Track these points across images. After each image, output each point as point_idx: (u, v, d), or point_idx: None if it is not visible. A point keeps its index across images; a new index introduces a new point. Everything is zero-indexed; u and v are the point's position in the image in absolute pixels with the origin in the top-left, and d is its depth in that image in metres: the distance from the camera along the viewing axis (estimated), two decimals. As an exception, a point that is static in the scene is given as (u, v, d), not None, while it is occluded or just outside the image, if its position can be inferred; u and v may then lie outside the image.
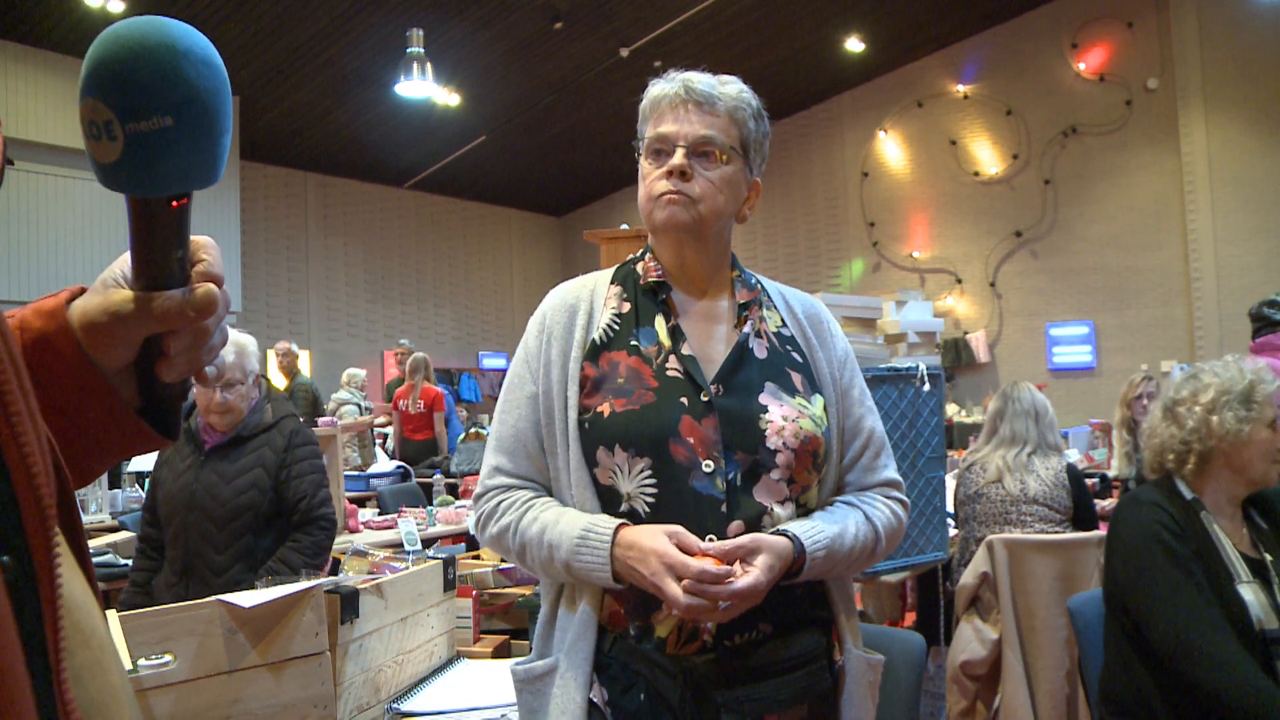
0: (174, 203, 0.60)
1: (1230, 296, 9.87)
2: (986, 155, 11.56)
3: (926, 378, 3.01)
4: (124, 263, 0.65)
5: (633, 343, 1.29)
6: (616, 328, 1.31)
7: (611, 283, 1.38)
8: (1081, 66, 10.86)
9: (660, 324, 1.31)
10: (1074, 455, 5.79)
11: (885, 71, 12.03)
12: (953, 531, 3.45)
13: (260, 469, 2.65)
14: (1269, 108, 9.76)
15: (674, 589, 1.11)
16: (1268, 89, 9.76)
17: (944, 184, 11.84)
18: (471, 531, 2.15)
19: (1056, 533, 3.13)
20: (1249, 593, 1.77)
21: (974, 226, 11.62)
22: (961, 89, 11.64)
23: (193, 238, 0.65)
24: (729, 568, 1.12)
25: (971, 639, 3.11)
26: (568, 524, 1.21)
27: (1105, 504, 4.22)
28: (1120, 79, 10.63)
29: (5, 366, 0.49)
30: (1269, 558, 1.84)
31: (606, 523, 1.19)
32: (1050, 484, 3.20)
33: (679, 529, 1.15)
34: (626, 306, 1.34)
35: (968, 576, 3.10)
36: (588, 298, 1.35)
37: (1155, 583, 1.79)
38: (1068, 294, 11.05)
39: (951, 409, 10.54)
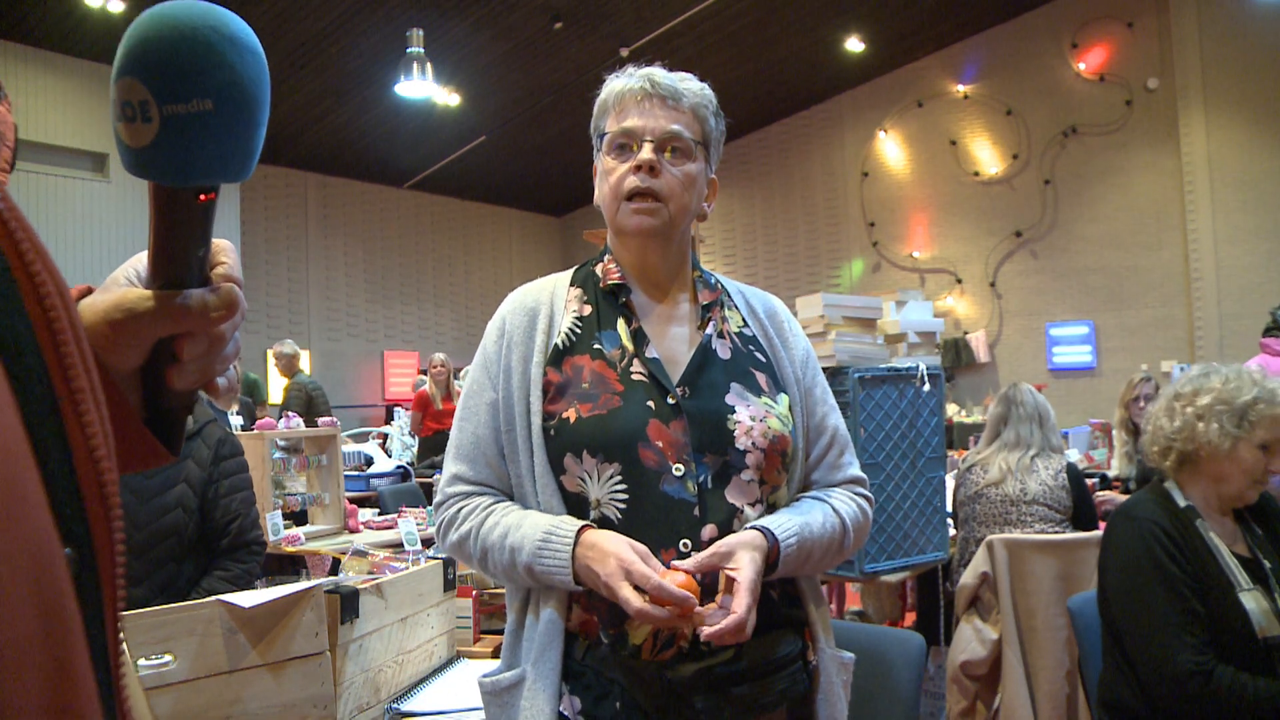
0: (201, 196, 0.57)
1: (1230, 296, 9.87)
2: (986, 155, 11.56)
3: (926, 378, 3.01)
4: (137, 262, 0.63)
5: (595, 346, 1.27)
6: (578, 331, 1.29)
7: (571, 285, 1.36)
8: (1081, 66, 10.86)
9: (622, 327, 1.29)
10: (1074, 455, 5.79)
11: (885, 71, 12.03)
12: (951, 532, 3.45)
13: (185, 485, 2.29)
14: (1269, 108, 9.76)
15: (628, 592, 1.08)
16: (1268, 89, 9.76)
17: (944, 184, 11.84)
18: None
19: (1056, 532, 3.13)
20: (1250, 600, 1.76)
21: (974, 226, 11.62)
22: (961, 89, 11.64)
23: (214, 240, 0.63)
24: (687, 594, 1.08)
25: (971, 639, 3.11)
26: (530, 526, 1.19)
27: (1103, 495, 4.22)
28: (1120, 79, 10.63)
29: (67, 336, 0.46)
30: (1269, 564, 1.84)
31: (570, 524, 1.17)
32: (1050, 484, 3.20)
33: (644, 548, 1.13)
34: (588, 309, 1.32)
35: (968, 576, 3.10)
36: (548, 301, 1.33)
37: (1145, 606, 1.79)
38: (1068, 294, 11.05)
39: (951, 409, 10.54)
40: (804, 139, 12.84)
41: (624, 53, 9.79)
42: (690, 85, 1.30)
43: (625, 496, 1.19)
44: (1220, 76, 9.97)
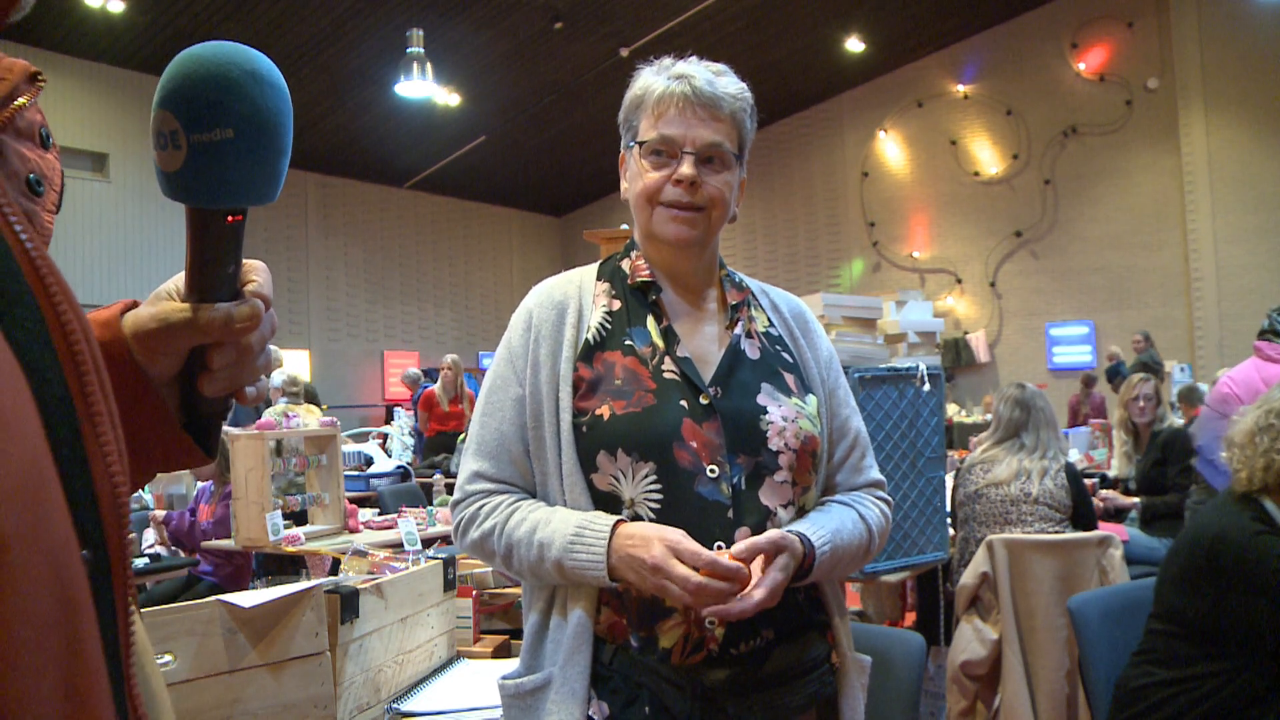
0: (230, 217, 0.63)
1: (1230, 296, 9.88)
2: (986, 155, 11.56)
3: (926, 378, 3.00)
4: (179, 278, 0.68)
5: (627, 343, 1.25)
6: (609, 327, 1.27)
7: (598, 279, 1.33)
8: (1081, 66, 10.87)
9: (651, 324, 1.27)
10: (1074, 455, 5.79)
11: (885, 71, 12.03)
12: (950, 532, 3.45)
13: None
14: (1269, 108, 9.76)
15: (682, 570, 1.06)
16: (1268, 89, 9.76)
17: (944, 184, 11.84)
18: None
19: (1056, 532, 3.13)
20: None
21: (974, 226, 11.63)
22: (961, 89, 11.64)
23: (246, 260, 0.68)
24: (740, 565, 1.08)
25: (971, 639, 3.11)
26: (561, 522, 1.17)
27: (1106, 494, 4.22)
28: (1120, 79, 10.63)
29: (89, 367, 0.51)
30: None
31: (604, 519, 1.15)
32: (1050, 484, 3.20)
33: (682, 531, 1.11)
34: (617, 304, 1.29)
35: (968, 576, 3.10)
36: (576, 295, 1.30)
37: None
38: (1068, 294, 11.05)
39: (951, 409, 10.55)
40: (804, 139, 12.84)
41: (624, 53, 9.79)
42: (729, 89, 1.26)
43: (659, 497, 1.17)
44: (1220, 76, 9.97)
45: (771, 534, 1.13)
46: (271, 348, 7.49)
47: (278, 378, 5.96)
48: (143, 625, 0.61)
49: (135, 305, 0.68)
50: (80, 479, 0.49)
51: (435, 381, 8.13)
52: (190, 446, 0.70)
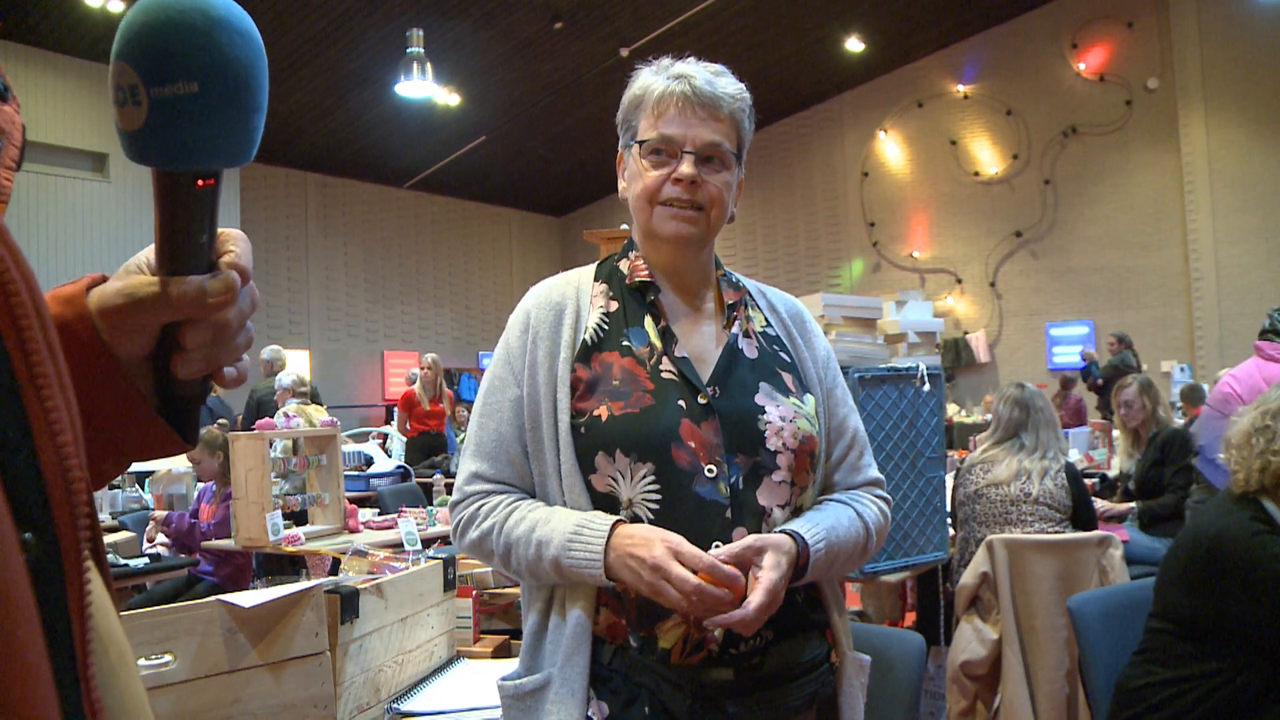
0: (200, 181, 0.57)
1: (1230, 296, 9.88)
2: (986, 155, 11.56)
3: (926, 378, 3.00)
4: (150, 250, 0.62)
5: (625, 343, 1.25)
6: (606, 327, 1.27)
7: (595, 280, 1.34)
8: (1081, 66, 10.87)
9: (649, 324, 1.27)
10: (1074, 455, 5.78)
11: (885, 71, 12.04)
12: (950, 532, 3.45)
13: None
14: (1269, 108, 9.76)
15: (680, 571, 1.06)
16: (1268, 89, 9.76)
17: (944, 184, 11.84)
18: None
19: (1056, 532, 3.13)
20: None
21: (974, 226, 11.63)
22: (961, 89, 11.64)
23: (223, 230, 0.62)
24: (738, 572, 1.09)
25: (971, 639, 3.11)
26: (560, 520, 1.17)
27: (1105, 503, 4.22)
28: (1120, 79, 10.63)
29: (30, 322, 0.46)
30: None
31: (603, 519, 1.16)
32: (1050, 484, 3.20)
33: (681, 538, 1.12)
34: (614, 305, 1.30)
35: (968, 576, 3.10)
36: (574, 296, 1.30)
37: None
38: (1068, 294, 11.05)
39: (951, 409, 10.55)
40: (804, 139, 12.85)
41: (624, 53, 9.79)
42: (728, 89, 1.27)
43: (658, 497, 1.17)
44: (1220, 76, 9.98)
45: (748, 539, 1.13)
46: (276, 347, 7.44)
47: (287, 378, 5.97)
48: (122, 625, 0.56)
49: (103, 280, 0.62)
50: (21, 451, 0.43)
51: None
52: (166, 432, 0.63)
